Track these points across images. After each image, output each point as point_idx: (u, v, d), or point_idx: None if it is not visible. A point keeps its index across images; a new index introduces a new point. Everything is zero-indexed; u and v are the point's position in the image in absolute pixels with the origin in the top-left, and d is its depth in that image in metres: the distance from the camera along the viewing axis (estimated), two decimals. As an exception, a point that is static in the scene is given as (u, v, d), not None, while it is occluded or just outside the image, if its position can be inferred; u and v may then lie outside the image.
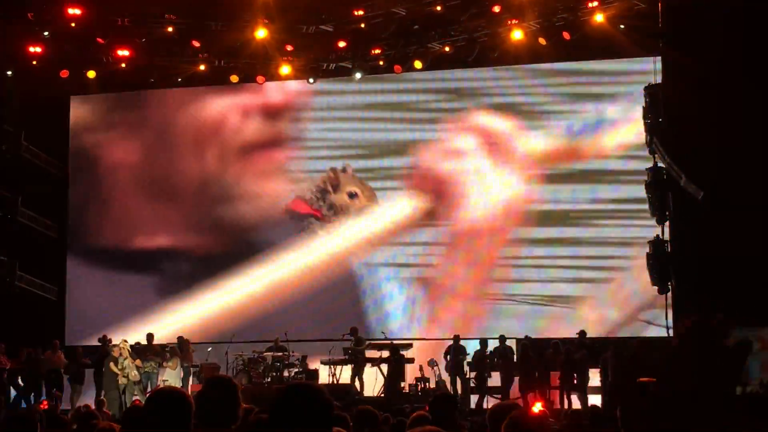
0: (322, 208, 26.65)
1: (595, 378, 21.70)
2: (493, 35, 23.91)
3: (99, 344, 24.14)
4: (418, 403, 18.79)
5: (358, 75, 25.62)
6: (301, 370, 23.62)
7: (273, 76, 25.88)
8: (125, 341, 23.42)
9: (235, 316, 26.32)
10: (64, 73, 25.17)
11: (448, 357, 23.19)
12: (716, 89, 20.41)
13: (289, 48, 25.10)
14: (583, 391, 21.50)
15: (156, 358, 23.35)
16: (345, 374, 23.56)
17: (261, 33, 24.16)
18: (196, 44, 24.89)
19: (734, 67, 20.46)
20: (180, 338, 24.43)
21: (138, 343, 23.93)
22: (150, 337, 24.16)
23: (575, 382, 21.65)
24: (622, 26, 22.54)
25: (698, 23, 20.90)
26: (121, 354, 22.96)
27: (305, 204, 26.67)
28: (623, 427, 6.59)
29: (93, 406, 18.50)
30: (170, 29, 24.56)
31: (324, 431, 3.55)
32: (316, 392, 3.76)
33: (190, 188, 27.66)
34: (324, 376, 23.56)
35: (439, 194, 25.85)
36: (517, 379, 22.36)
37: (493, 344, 23.23)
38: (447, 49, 24.55)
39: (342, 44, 24.94)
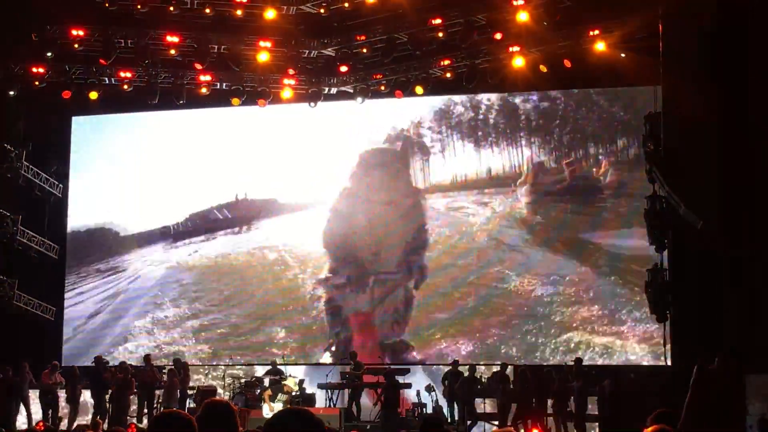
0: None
1: (592, 406, 21.66)
2: (495, 62, 24.00)
3: (93, 365, 24.01)
4: (415, 428, 18.75)
5: (359, 100, 25.71)
6: (298, 393, 23.55)
7: (274, 100, 25.96)
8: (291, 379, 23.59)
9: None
10: (67, 94, 25.23)
11: (446, 382, 23.13)
12: (716, 118, 20.44)
13: (291, 72, 25.21)
14: (580, 420, 21.43)
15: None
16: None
17: (263, 57, 24.27)
18: (199, 67, 24.95)
19: (735, 95, 20.50)
20: (177, 360, 24.35)
21: (125, 365, 23.70)
22: (147, 358, 24.10)
23: (570, 410, 21.58)
24: (623, 55, 22.60)
25: (699, 51, 20.95)
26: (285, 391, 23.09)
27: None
28: None
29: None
30: (172, 52, 24.64)
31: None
32: (306, 417, 3.77)
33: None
34: (321, 401, 23.50)
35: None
36: (514, 405, 22.31)
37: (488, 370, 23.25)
38: (448, 75, 24.64)
39: (344, 69, 25.04)
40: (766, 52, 20.25)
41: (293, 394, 22.94)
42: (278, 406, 22.53)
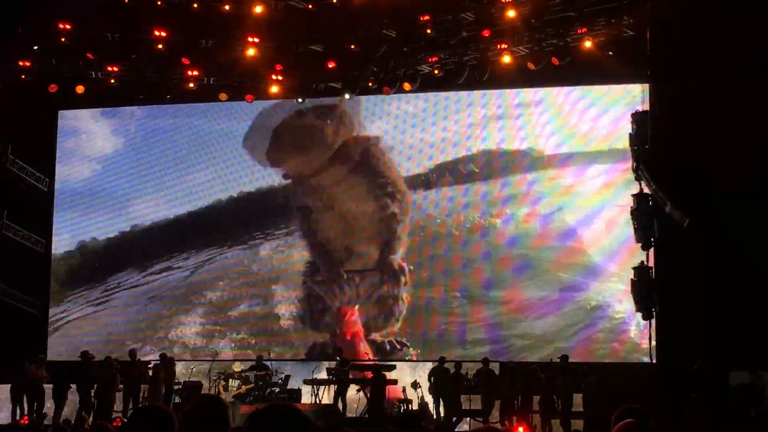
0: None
1: (578, 403, 21.68)
2: (483, 59, 23.99)
3: (79, 360, 23.89)
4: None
5: (347, 96, 25.69)
6: (281, 389, 23.52)
7: (262, 95, 25.92)
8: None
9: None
10: (53, 88, 25.10)
11: (432, 379, 23.13)
12: (703, 116, 20.52)
13: (279, 67, 25.16)
14: (566, 417, 21.44)
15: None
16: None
17: (251, 52, 24.23)
18: (186, 61, 24.87)
19: (721, 94, 20.58)
20: (163, 355, 24.27)
21: (110, 360, 23.55)
22: (133, 353, 23.98)
23: (557, 407, 21.60)
24: (610, 53, 22.63)
25: (686, 50, 21.04)
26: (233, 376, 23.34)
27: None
28: None
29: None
30: (160, 46, 24.55)
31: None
32: (292, 412, 3.78)
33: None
34: (307, 396, 23.49)
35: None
36: (498, 402, 22.32)
37: (474, 367, 23.27)
38: (436, 71, 24.63)
39: (332, 65, 24.99)
40: (751, 52, 20.37)
41: (243, 375, 23.21)
42: (233, 391, 22.80)
